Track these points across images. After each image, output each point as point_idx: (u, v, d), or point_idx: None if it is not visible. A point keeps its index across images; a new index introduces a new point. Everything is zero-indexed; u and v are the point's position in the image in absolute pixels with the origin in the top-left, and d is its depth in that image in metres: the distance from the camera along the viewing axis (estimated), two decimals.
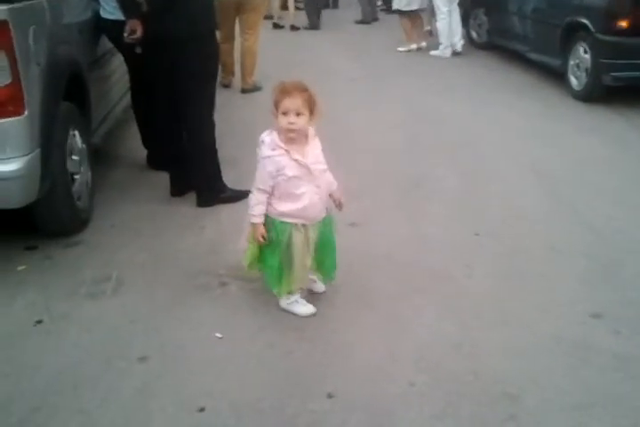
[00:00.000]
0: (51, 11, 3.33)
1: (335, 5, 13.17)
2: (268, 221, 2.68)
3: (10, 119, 2.88)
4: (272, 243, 2.69)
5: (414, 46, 8.59)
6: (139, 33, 3.62)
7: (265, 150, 2.60)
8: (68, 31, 3.65)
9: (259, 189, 2.64)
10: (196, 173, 3.86)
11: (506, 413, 2.24)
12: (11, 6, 2.83)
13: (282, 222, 2.67)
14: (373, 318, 2.77)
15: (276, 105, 2.55)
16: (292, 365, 2.47)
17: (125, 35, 3.65)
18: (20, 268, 3.21)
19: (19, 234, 3.47)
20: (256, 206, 2.66)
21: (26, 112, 2.93)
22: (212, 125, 3.85)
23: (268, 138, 2.59)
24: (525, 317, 2.79)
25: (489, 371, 2.44)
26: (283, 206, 2.65)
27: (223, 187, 3.90)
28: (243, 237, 2.80)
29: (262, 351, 2.55)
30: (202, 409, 2.25)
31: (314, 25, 10.45)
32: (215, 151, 3.90)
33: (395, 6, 8.61)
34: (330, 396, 2.30)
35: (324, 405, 2.26)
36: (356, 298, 2.89)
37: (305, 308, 2.79)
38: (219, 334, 2.66)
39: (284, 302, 2.81)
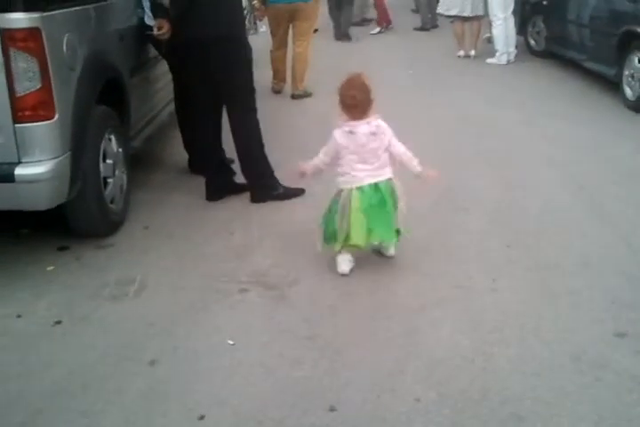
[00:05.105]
0: (87, 18, 3.42)
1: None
2: None
3: (40, 123, 2.95)
4: None
5: (461, 53, 8.43)
6: (165, 29, 3.69)
7: None
8: (107, 38, 3.72)
9: None
10: (248, 169, 3.90)
11: None
12: (43, 14, 2.90)
13: None
14: (389, 329, 2.71)
15: None
16: (299, 375, 2.44)
17: (155, 32, 3.76)
18: (49, 268, 3.29)
19: (55, 234, 3.57)
20: None
21: (56, 116, 2.99)
22: (254, 123, 3.89)
23: None
24: (545, 334, 2.67)
25: (499, 389, 2.34)
26: None
27: (275, 184, 3.92)
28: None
29: (271, 360, 2.53)
30: (202, 417, 2.24)
31: (338, 35, 10.04)
32: (263, 147, 3.93)
33: (438, 10, 8.64)
34: (332, 409, 2.25)
35: (324, 418, 2.21)
36: (372, 308, 2.83)
37: None
38: (231, 341, 2.65)
39: None
